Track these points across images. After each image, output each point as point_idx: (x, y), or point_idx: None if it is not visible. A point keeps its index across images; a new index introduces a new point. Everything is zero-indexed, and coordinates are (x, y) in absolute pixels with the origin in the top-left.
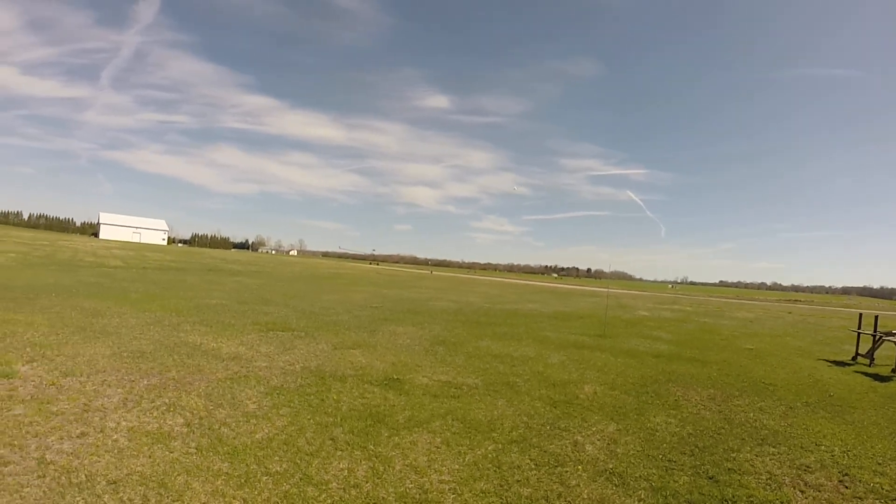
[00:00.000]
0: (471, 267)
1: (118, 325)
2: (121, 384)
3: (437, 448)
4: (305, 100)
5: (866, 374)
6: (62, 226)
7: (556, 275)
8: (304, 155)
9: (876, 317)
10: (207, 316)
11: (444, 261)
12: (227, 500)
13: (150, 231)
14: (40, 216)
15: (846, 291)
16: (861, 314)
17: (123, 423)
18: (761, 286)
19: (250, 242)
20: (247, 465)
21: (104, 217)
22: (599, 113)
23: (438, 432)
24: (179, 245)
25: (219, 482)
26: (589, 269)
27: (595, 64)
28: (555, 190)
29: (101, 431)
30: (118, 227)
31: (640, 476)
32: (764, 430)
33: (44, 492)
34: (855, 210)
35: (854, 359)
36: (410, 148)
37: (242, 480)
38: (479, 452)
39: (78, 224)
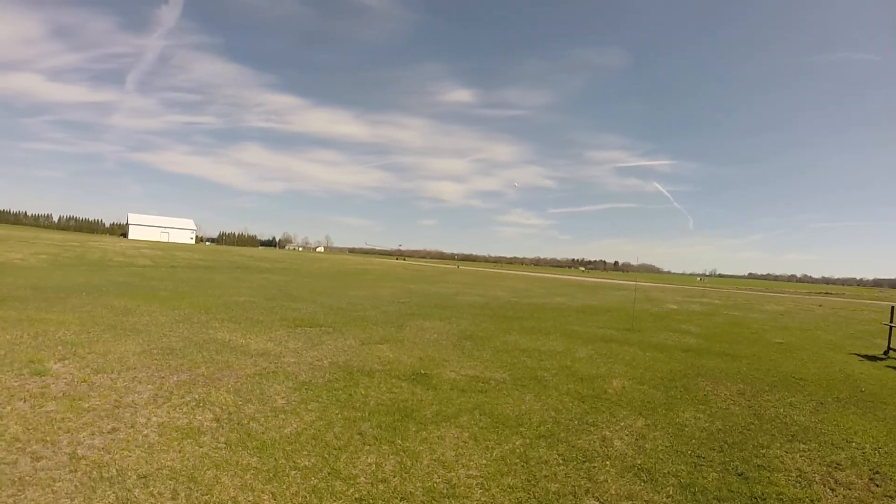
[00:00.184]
0: (497, 261)
1: (148, 323)
2: (151, 380)
3: (465, 443)
4: (329, 97)
5: None
6: (92, 227)
7: (583, 268)
8: (329, 152)
9: None
10: (236, 313)
11: (471, 255)
12: (255, 494)
13: (179, 230)
14: (70, 218)
15: (878, 284)
16: (893, 307)
17: (154, 419)
18: (791, 278)
19: (277, 240)
20: (275, 459)
21: (133, 218)
22: (625, 103)
23: (466, 427)
24: (207, 244)
25: (248, 476)
26: (616, 263)
27: (620, 54)
28: (581, 182)
29: (131, 427)
30: (147, 228)
31: (669, 472)
32: (794, 426)
33: (75, 486)
34: (888, 200)
35: (886, 353)
36: (434, 143)
37: (271, 475)
38: (506, 447)
39: (107, 225)
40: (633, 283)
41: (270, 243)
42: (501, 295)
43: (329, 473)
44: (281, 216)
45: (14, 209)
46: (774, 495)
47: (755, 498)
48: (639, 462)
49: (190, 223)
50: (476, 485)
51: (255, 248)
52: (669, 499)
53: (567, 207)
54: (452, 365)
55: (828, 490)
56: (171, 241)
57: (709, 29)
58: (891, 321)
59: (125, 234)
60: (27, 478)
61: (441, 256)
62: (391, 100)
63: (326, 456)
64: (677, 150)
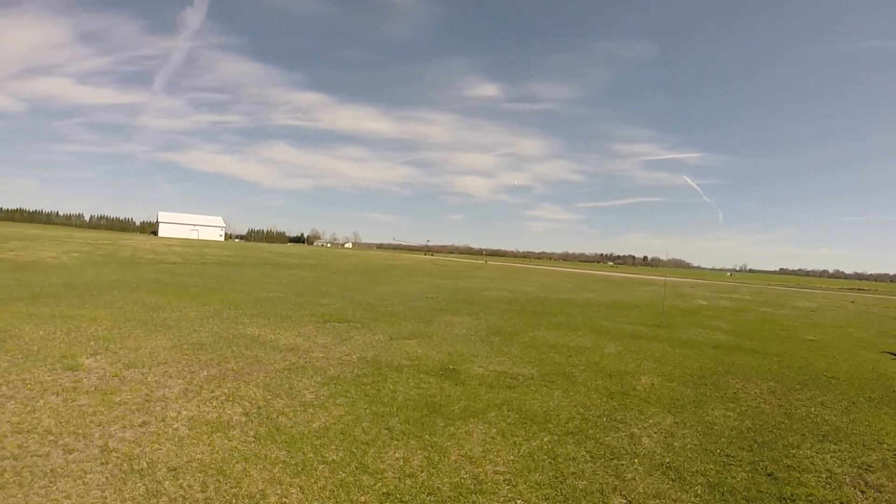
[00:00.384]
0: (525, 256)
1: (178, 319)
2: (181, 375)
3: (493, 439)
4: (355, 94)
5: None
6: (122, 226)
7: (611, 263)
8: (356, 148)
9: None
10: (265, 308)
11: (499, 250)
12: (283, 487)
13: (208, 228)
14: (101, 217)
15: None
16: None
17: (184, 413)
18: (823, 273)
19: (305, 236)
20: (304, 453)
21: (163, 216)
22: (653, 96)
23: (494, 423)
24: (236, 241)
25: (276, 470)
26: (645, 257)
27: (648, 45)
28: (609, 176)
29: (162, 420)
30: (176, 226)
31: (697, 471)
32: (825, 425)
33: (106, 478)
34: None
35: None
36: (461, 137)
37: (299, 468)
38: (534, 444)
39: (138, 223)
40: (662, 278)
41: (299, 240)
42: (529, 290)
43: (357, 468)
44: (309, 213)
45: (46, 209)
46: (804, 496)
47: (784, 499)
48: (667, 460)
49: (219, 220)
50: (503, 481)
51: (284, 245)
52: (697, 498)
53: (595, 202)
54: (480, 360)
55: (858, 492)
56: (200, 238)
57: (737, 18)
58: None
59: (155, 232)
60: (59, 469)
61: (469, 251)
62: (417, 95)
63: (354, 450)
64: (706, 143)
